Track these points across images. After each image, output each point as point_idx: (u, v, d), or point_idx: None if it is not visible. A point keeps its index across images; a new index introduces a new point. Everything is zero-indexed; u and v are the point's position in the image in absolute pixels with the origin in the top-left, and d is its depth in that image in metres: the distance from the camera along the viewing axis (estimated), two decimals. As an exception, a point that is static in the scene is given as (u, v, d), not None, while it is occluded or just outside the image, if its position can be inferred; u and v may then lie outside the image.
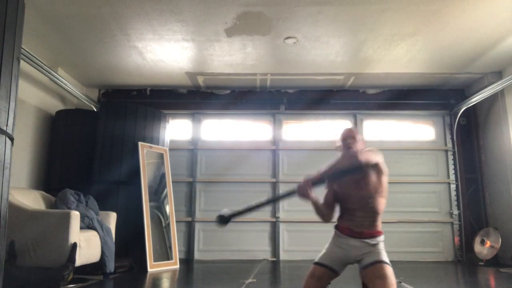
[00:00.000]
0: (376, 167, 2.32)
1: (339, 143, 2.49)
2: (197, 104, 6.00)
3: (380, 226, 2.36)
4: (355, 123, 5.94)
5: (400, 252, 5.44)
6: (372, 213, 2.32)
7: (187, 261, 5.38)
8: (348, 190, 2.36)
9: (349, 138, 2.44)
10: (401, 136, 5.93)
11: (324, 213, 2.47)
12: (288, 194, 2.37)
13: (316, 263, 2.40)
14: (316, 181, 2.31)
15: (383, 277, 2.26)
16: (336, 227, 2.46)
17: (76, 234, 3.40)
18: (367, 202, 2.32)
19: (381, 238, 2.36)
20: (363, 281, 2.36)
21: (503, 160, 5.15)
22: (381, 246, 2.34)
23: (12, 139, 1.91)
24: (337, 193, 2.41)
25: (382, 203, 2.34)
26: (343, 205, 2.42)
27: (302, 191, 2.31)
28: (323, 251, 2.45)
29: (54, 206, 3.95)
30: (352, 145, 2.41)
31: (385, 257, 2.30)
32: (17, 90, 1.97)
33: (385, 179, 2.32)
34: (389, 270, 2.29)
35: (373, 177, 2.33)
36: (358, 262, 2.36)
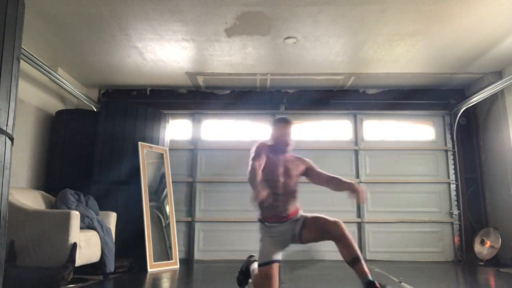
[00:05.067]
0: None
1: (274, 134, 2.75)
2: (197, 104, 6.00)
3: (298, 202, 2.64)
4: (355, 123, 5.94)
5: (400, 252, 5.45)
6: (293, 198, 2.60)
7: (187, 261, 5.38)
8: (280, 176, 2.61)
9: (290, 134, 2.74)
10: (401, 136, 5.93)
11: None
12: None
13: (262, 264, 2.46)
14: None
15: (319, 216, 2.50)
16: (262, 220, 2.61)
17: (76, 234, 3.40)
18: (291, 188, 2.60)
19: (301, 211, 2.62)
20: (304, 241, 2.54)
21: (503, 160, 5.15)
22: (307, 214, 2.60)
23: (12, 139, 1.91)
24: (267, 175, 2.58)
25: (298, 186, 2.66)
26: (272, 189, 2.54)
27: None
28: (259, 250, 2.54)
29: (54, 206, 3.95)
30: (291, 143, 2.74)
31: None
32: (17, 90, 1.97)
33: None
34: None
35: (299, 171, 2.68)
36: (293, 239, 2.57)
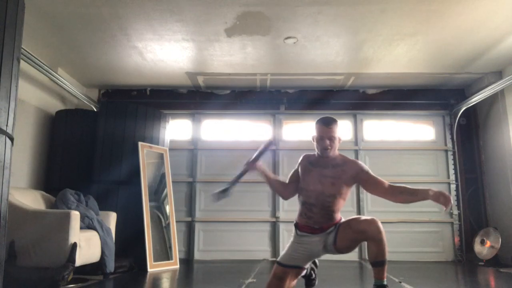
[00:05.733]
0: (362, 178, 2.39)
1: (314, 138, 2.47)
2: (197, 104, 6.00)
3: (338, 216, 2.44)
4: (355, 123, 5.94)
5: (400, 252, 5.44)
6: (328, 211, 2.37)
7: (187, 261, 5.38)
8: (312, 184, 2.40)
9: (327, 137, 2.39)
10: (401, 136, 5.93)
11: (280, 189, 2.55)
12: (241, 173, 2.57)
13: (277, 263, 2.43)
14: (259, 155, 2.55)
15: (353, 219, 2.31)
16: (296, 226, 2.49)
17: (76, 234, 3.40)
18: (325, 200, 2.36)
19: (339, 222, 2.42)
20: (341, 249, 2.37)
21: (503, 160, 5.15)
22: (341, 222, 2.41)
23: (12, 139, 1.91)
24: (302, 183, 2.46)
25: (340, 204, 2.41)
26: (302, 197, 2.45)
27: (250, 165, 2.51)
28: (285, 250, 2.48)
29: (54, 206, 3.95)
30: (330, 147, 2.40)
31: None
32: (17, 90, 1.97)
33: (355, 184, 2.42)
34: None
35: (343, 180, 2.37)
36: (326, 249, 2.40)
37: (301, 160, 2.57)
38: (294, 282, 2.50)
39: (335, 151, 2.45)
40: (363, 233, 2.21)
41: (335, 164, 2.42)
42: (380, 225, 2.21)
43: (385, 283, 2.23)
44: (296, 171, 2.57)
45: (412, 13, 3.75)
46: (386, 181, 2.38)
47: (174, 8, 3.67)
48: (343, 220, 2.44)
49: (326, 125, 2.40)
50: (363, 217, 2.30)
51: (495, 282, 4.06)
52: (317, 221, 2.38)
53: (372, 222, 2.20)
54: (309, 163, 2.50)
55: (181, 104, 5.99)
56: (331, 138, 2.39)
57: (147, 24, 3.98)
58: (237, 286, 3.41)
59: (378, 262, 2.23)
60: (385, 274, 2.25)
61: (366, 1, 3.56)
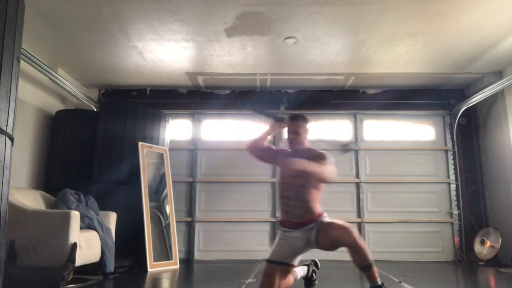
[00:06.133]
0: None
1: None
2: (197, 104, 6.00)
3: (317, 209, 2.48)
4: (355, 123, 5.94)
5: (400, 252, 5.45)
6: (304, 202, 2.44)
7: (187, 261, 5.38)
8: (285, 177, 2.51)
9: (292, 131, 2.59)
10: (401, 136, 5.93)
11: (259, 145, 2.71)
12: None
13: (266, 260, 2.48)
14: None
15: (330, 224, 2.35)
16: (279, 223, 2.58)
17: (76, 234, 3.40)
18: (298, 190, 2.45)
19: (320, 218, 2.45)
20: (324, 248, 2.43)
21: (503, 160, 5.15)
22: (322, 220, 2.44)
23: (12, 139, 1.91)
24: (278, 176, 2.60)
25: (314, 194, 2.46)
26: (279, 191, 2.55)
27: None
28: (272, 247, 2.53)
29: (54, 206, 3.95)
30: (294, 140, 2.58)
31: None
32: (17, 90, 1.97)
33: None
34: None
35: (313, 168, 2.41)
36: (309, 245, 2.46)
37: (278, 149, 2.76)
38: (289, 281, 2.51)
39: (303, 145, 2.60)
40: (339, 242, 2.31)
41: (300, 155, 2.54)
42: (354, 233, 2.27)
43: (379, 283, 2.27)
44: (271, 148, 2.79)
45: (412, 13, 3.75)
46: (331, 176, 2.41)
47: (174, 8, 3.67)
48: (324, 216, 2.48)
49: (292, 120, 2.63)
50: (338, 223, 2.34)
51: (495, 282, 4.06)
52: (295, 215, 2.46)
53: (345, 234, 2.27)
54: (282, 155, 2.66)
55: (181, 104, 5.99)
56: (296, 132, 2.57)
57: (147, 24, 3.98)
58: (237, 286, 3.41)
59: (365, 267, 2.30)
60: (377, 274, 2.29)
61: (366, 1, 3.56)
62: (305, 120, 2.63)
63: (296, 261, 2.54)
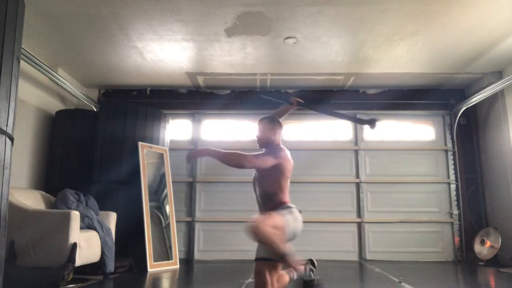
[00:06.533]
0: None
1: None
2: (197, 104, 6.00)
3: (277, 200, 2.53)
4: (355, 123, 5.94)
5: (400, 252, 5.45)
6: (263, 193, 2.58)
7: (187, 261, 5.38)
8: (254, 184, 2.66)
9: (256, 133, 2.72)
10: (401, 136, 5.93)
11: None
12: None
13: (255, 260, 2.51)
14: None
15: (257, 217, 2.41)
16: None
17: (76, 234, 3.40)
18: (257, 184, 2.62)
19: (275, 209, 2.47)
20: None
21: (503, 160, 5.15)
22: (287, 211, 2.47)
23: (12, 139, 1.91)
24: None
25: (268, 184, 2.55)
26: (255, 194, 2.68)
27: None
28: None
29: (54, 206, 3.95)
30: (257, 141, 2.70)
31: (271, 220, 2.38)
32: (17, 90, 1.97)
33: (271, 166, 2.49)
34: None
35: (265, 173, 2.54)
36: None
37: None
38: (283, 278, 2.51)
39: (265, 145, 2.69)
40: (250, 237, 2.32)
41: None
42: (259, 231, 2.23)
43: (306, 274, 2.42)
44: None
45: (412, 13, 3.75)
46: (254, 161, 2.47)
47: (174, 8, 3.67)
48: (284, 207, 2.50)
49: (258, 123, 2.74)
50: (254, 220, 2.33)
51: (495, 282, 4.06)
52: (259, 206, 2.63)
53: (252, 232, 2.26)
54: None
55: (181, 104, 5.99)
56: (256, 135, 2.73)
57: (147, 24, 3.98)
58: (237, 286, 3.42)
59: (279, 257, 2.31)
60: (298, 266, 2.39)
61: (366, 1, 3.56)
62: (265, 121, 2.72)
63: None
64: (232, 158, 2.43)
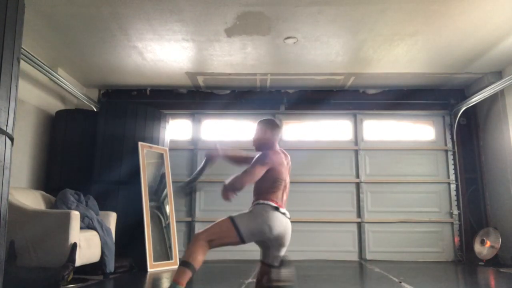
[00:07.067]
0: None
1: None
2: (197, 104, 6.00)
3: (258, 198, 2.63)
4: (355, 123, 5.94)
5: (400, 252, 5.45)
6: (253, 193, 2.70)
7: (187, 261, 5.37)
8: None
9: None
10: (401, 136, 5.93)
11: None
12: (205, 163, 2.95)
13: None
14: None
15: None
16: None
17: (76, 234, 3.40)
18: (253, 188, 2.69)
19: (256, 204, 2.60)
20: None
21: (503, 160, 5.15)
22: (250, 209, 2.62)
23: (12, 139, 1.92)
24: None
25: (258, 185, 2.64)
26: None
27: (211, 153, 2.88)
28: None
29: (54, 206, 3.95)
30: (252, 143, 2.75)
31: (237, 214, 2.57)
32: (17, 90, 1.97)
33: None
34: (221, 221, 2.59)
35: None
36: None
37: None
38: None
39: (260, 148, 2.70)
40: None
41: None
42: (195, 238, 2.51)
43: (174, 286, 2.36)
44: None
45: (412, 13, 3.75)
46: (246, 180, 2.55)
47: (174, 8, 3.67)
48: (259, 203, 2.61)
49: (256, 125, 2.74)
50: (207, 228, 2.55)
51: (495, 282, 4.06)
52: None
53: (189, 245, 2.49)
54: None
55: (181, 104, 5.99)
56: (253, 136, 2.75)
57: (147, 24, 3.98)
58: (237, 286, 3.42)
59: (182, 262, 2.46)
60: (183, 277, 2.42)
61: (366, 1, 3.56)
62: (261, 124, 2.72)
63: (272, 257, 2.57)
64: (236, 186, 2.54)
